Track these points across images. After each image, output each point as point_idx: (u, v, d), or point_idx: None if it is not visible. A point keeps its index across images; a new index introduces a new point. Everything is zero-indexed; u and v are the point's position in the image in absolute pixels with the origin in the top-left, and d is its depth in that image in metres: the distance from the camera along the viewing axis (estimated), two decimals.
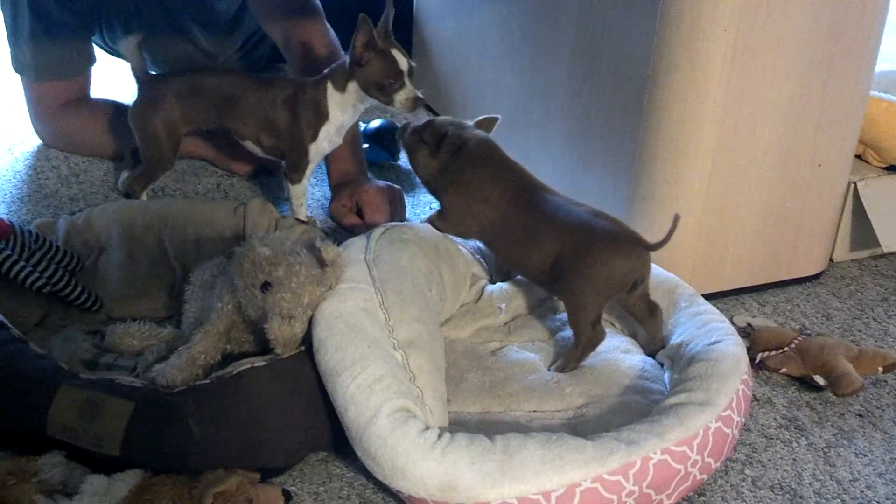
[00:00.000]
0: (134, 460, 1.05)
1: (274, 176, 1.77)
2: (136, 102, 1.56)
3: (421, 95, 1.44)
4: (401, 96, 1.43)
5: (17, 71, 1.79)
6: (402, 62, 1.43)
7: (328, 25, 1.75)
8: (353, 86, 1.46)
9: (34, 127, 1.87)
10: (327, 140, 1.52)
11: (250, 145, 1.57)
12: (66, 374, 1.11)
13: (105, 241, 1.43)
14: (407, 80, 1.43)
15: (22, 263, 1.28)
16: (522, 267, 1.35)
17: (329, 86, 1.48)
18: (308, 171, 1.54)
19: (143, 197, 1.59)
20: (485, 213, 1.31)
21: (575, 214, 1.27)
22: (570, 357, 1.28)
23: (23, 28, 1.74)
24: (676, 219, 1.18)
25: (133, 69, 1.55)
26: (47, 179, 1.77)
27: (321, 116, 1.49)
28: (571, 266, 1.24)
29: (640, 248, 1.24)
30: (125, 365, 1.25)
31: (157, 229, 1.43)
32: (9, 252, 1.28)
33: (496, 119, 1.39)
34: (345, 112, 1.50)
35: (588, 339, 1.26)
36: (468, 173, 1.32)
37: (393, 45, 1.44)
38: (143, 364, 1.23)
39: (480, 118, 1.38)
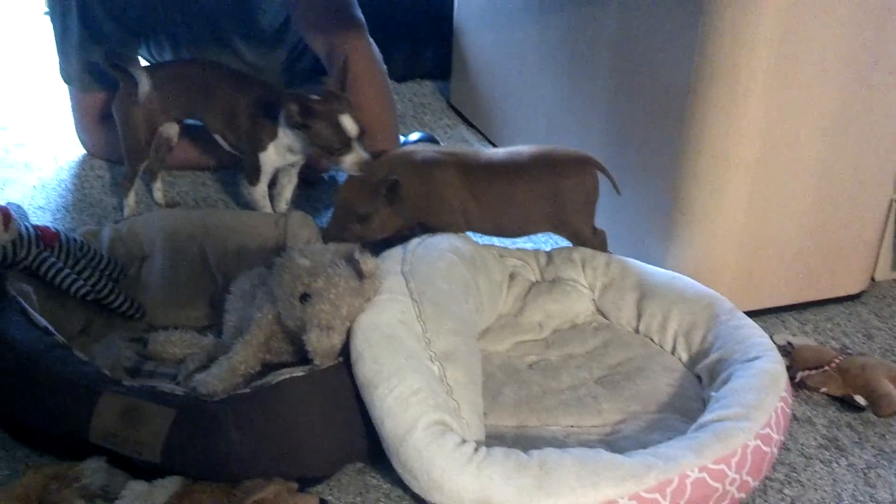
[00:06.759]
0: (174, 467, 1.06)
1: (315, 187, 1.78)
2: (118, 93, 1.62)
3: (368, 157, 1.40)
4: (350, 159, 1.41)
5: (65, 81, 1.83)
6: (351, 128, 1.41)
7: (371, 39, 1.76)
8: (298, 133, 1.47)
9: (78, 136, 1.90)
10: (277, 154, 1.54)
11: (219, 138, 1.61)
12: (108, 380, 1.12)
13: (148, 250, 1.44)
14: (356, 145, 1.40)
15: (67, 271, 1.30)
16: (511, 228, 1.44)
17: (284, 112, 1.46)
18: (264, 177, 1.56)
19: (131, 196, 1.64)
20: (461, 204, 1.38)
21: (528, 158, 1.38)
22: None
23: (72, 39, 1.77)
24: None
25: (109, 72, 1.61)
26: (92, 188, 1.79)
27: (273, 132, 1.51)
28: (553, 200, 1.37)
29: (590, 159, 1.38)
30: (166, 373, 1.26)
31: (199, 239, 1.45)
32: (54, 259, 1.30)
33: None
34: (291, 139, 1.51)
35: (597, 243, 1.42)
36: (423, 190, 1.37)
37: (342, 109, 1.41)
38: (184, 372, 1.24)
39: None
